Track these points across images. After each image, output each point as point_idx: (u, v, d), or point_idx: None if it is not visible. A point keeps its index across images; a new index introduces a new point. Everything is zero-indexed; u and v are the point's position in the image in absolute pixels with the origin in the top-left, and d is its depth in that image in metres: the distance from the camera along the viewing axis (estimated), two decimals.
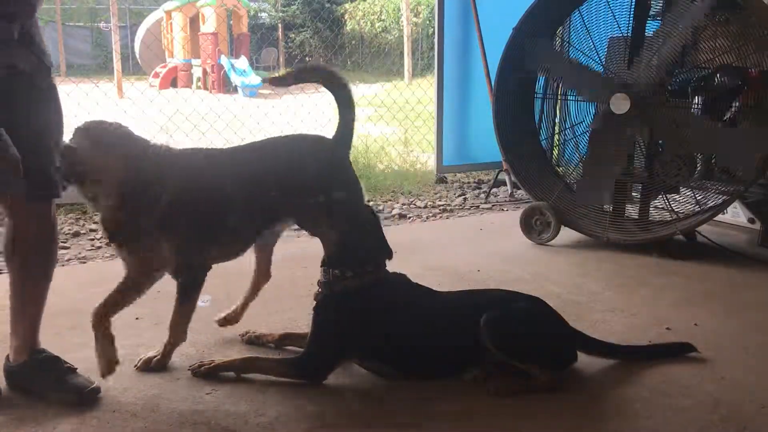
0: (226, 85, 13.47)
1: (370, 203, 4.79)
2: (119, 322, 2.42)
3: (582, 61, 3.74)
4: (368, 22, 18.05)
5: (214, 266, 2.99)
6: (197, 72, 13.93)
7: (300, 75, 2.41)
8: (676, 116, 3.36)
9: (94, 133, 2.08)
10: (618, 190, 3.63)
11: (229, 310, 2.54)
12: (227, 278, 3.16)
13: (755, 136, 3.27)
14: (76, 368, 2.09)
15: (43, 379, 2.03)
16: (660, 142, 3.63)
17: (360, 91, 10.60)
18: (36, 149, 1.91)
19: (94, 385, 2.05)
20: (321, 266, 2.19)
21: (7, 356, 2.11)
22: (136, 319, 2.57)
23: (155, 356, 2.23)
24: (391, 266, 2.22)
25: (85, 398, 2.00)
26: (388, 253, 2.21)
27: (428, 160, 5.89)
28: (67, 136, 2.07)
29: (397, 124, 7.16)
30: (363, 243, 2.16)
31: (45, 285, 2.13)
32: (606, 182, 3.49)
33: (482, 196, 5.02)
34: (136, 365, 2.22)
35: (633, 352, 2.30)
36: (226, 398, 2.04)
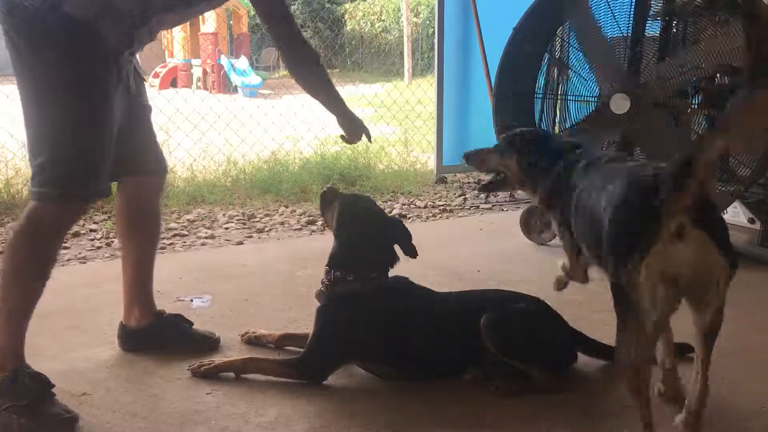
0: (226, 85, 13.46)
1: None
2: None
3: (576, 66, 3.75)
4: (368, 22, 18.06)
5: (219, 268, 2.98)
6: (197, 72, 13.92)
7: None
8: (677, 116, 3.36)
9: None
10: None
11: None
12: (240, 279, 3.16)
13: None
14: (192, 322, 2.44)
15: (176, 335, 2.37)
16: None
17: (360, 91, 10.60)
18: (154, 140, 2.33)
19: (213, 335, 2.43)
20: (326, 266, 2.19)
21: (122, 324, 2.38)
22: None
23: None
24: (393, 268, 2.22)
25: (205, 343, 2.39)
26: (393, 259, 2.20)
27: (428, 160, 5.89)
28: None
29: (397, 124, 7.16)
30: (367, 247, 2.16)
31: (154, 254, 2.41)
32: None
33: (482, 196, 5.02)
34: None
35: None
36: (226, 398, 2.04)
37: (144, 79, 2.28)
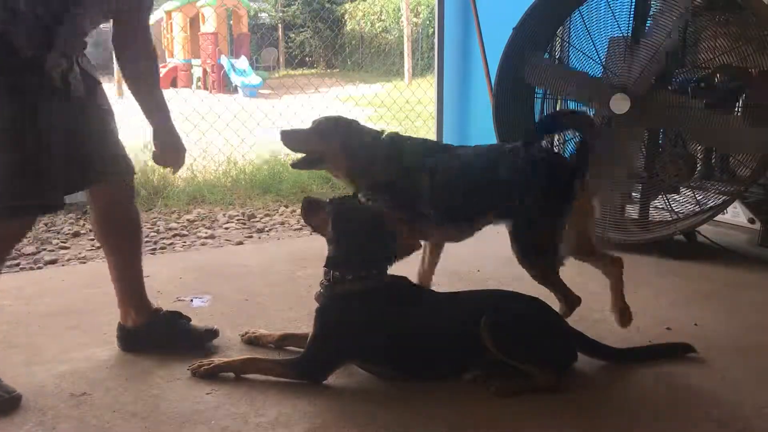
0: (226, 85, 13.47)
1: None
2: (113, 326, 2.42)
3: (577, 66, 3.75)
4: (368, 22, 18.05)
5: (219, 268, 2.95)
6: (197, 72, 13.93)
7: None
8: (677, 114, 3.36)
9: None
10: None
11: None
12: (240, 279, 3.17)
13: (756, 134, 3.26)
14: (189, 318, 2.42)
15: (170, 331, 2.36)
16: (659, 142, 3.63)
17: (360, 91, 10.62)
18: (117, 143, 2.23)
19: (211, 329, 2.42)
20: (324, 267, 2.19)
21: (120, 325, 2.36)
22: None
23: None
24: (391, 266, 2.22)
25: (204, 338, 2.38)
26: (391, 257, 2.20)
27: None
28: None
29: (397, 124, 7.15)
30: (365, 246, 2.16)
31: (139, 254, 2.38)
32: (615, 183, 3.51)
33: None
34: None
35: (633, 354, 2.30)
36: (226, 398, 2.04)
37: (99, 82, 2.17)
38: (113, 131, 2.23)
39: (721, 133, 3.27)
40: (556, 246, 2.34)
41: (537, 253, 2.36)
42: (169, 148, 2.26)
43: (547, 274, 2.38)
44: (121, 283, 2.35)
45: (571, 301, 2.41)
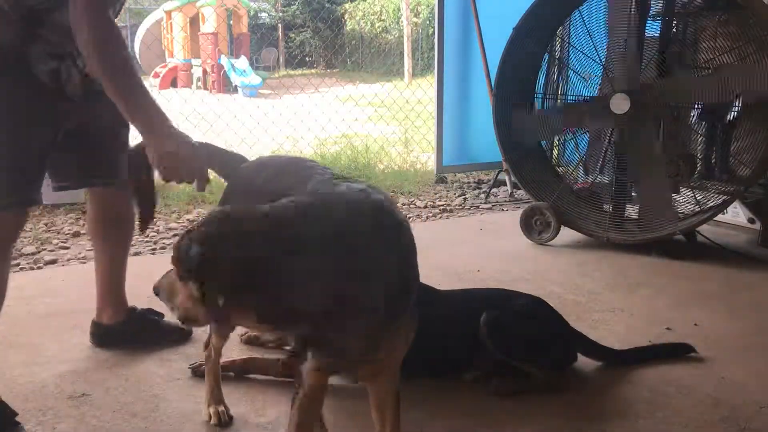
0: (226, 85, 13.47)
1: None
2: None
3: (577, 66, 3.77)
4: (368, 22, 18.06)
5: None
6: (197, 72, 13.93)
7: None
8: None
9: None
10: (618, 190, 3.63)
11: None
12: None
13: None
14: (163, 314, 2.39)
15: (147, 329, 2.39)
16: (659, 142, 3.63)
17: (360, 91, 10.62)
18: (119, 140, 2.16)
19: (182, 328, 2.35)
20: None
21: (95, 322, 2.38)
22: None
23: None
24: None
25: (175, 334, 2.39)
26: None
27: (428, 160, 5.89)
28: None
29: (397, 124, 7.17)
30: None
31: (126, 255, 2.41)
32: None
33: (482, 196, 5.02)
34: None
35: (633, 355, 2.30)
36: (226, 398, 2.04)
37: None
38: (116, 136, 2.14)
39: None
40: None
41: None
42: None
43: None
44: (104, 282, 2.36)
45: None
